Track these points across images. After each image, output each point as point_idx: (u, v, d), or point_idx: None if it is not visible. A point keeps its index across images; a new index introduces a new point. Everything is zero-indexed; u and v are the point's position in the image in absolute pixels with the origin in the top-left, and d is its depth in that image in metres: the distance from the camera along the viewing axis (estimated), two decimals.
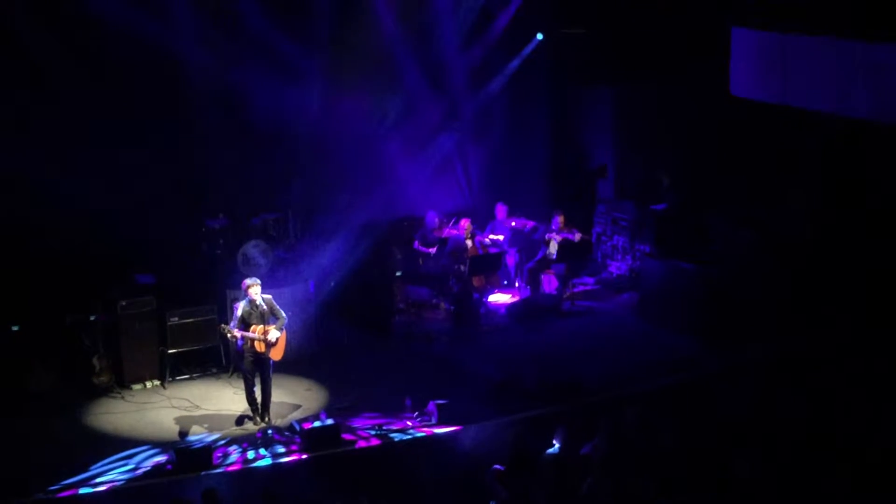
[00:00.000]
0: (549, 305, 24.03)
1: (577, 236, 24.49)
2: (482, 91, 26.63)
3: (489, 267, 24.34)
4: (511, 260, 25.16)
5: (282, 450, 18.08)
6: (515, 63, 26.69)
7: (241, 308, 18.72)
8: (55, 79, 21.25)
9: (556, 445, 16.31)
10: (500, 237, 25.10)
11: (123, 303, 20.37)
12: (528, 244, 25.24)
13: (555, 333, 23.05)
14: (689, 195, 24.91)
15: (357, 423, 18.92)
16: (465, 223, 24.36)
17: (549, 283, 24.60)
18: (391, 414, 19.24)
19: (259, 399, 19.04)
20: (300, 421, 18.71)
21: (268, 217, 23.09)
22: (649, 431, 16.70)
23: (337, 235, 23.00)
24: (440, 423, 18.65)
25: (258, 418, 19.04)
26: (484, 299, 24.20)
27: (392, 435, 18.49)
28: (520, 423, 18.51)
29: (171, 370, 20.78)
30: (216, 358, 21.18)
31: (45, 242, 20.83)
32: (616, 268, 26.21)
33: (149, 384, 20.59)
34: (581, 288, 25.51)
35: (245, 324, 18.64)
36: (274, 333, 18.72)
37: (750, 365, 20.12)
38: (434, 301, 24.31)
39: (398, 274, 24.13)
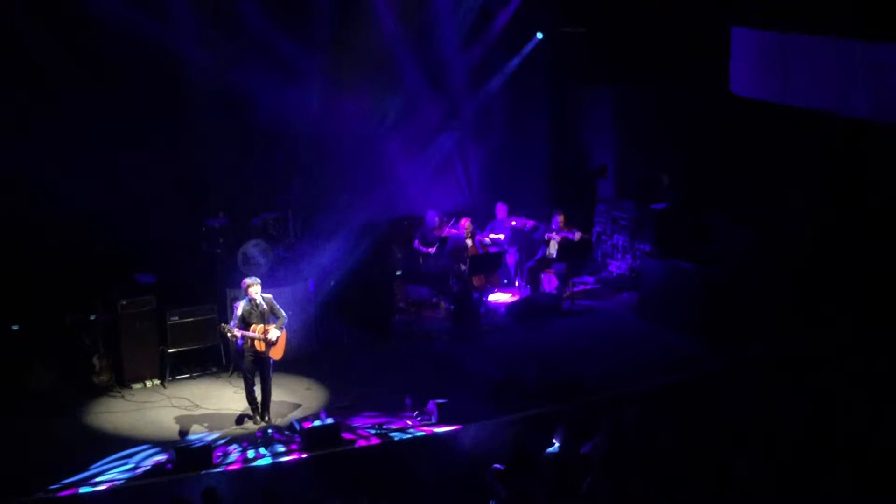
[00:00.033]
0: (549, 305, 24.04)
1: (577, 235, 24.50)
2: (482, 90, 26.64)
3: (489, 266, 24.35)
4: (511, 259, 25.17)
5: (282, 449, 18.07)
6: (515, 62, 26.70)
7: (241, 307, 18.72)
8: (55, 79, 21.26)
9: (556, 444, 16.30)
10: (501, 236, 25.10)
11: (123, 302, 20.39)
12: (528, 243, 25.25)
13: (555, 332, 23.07)
14: (690, 195, 24.89)
15: (357, 423, 18.93)
16: (465, 222, 24.36)
17: (549, 282, 24.61)
18: (391, 413, 19.24)
19: (259, 398, 19.04)
20: (300, 420, 18.71)
21: (268, 216, 23.10)
22: (649, 431, 16.70)
23: (337, 235, 23.01)
24: (440, 423, 18.65)
25: (258, 417, 19.04)
26: (484, 298, 24.20)
27: (392, 434, 18.49)
28: (520, 423, 18.51)
29: (171, 369, 20.80)
30: (216, 357, 21.20)
31: (45, 242, 20.84)
32: (616, 267, 26.23)
33: (149, 383, 20.61)
34: (581, 287, 25.53)
35: (245, 323, 18.64)
36: (274, 332, 18.73)
37: (750, 364, 20.11)
38: (434, 300, 24.32)
39: (398, 273, 24.15)
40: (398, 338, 22.86)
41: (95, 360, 20.18)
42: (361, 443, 18.19)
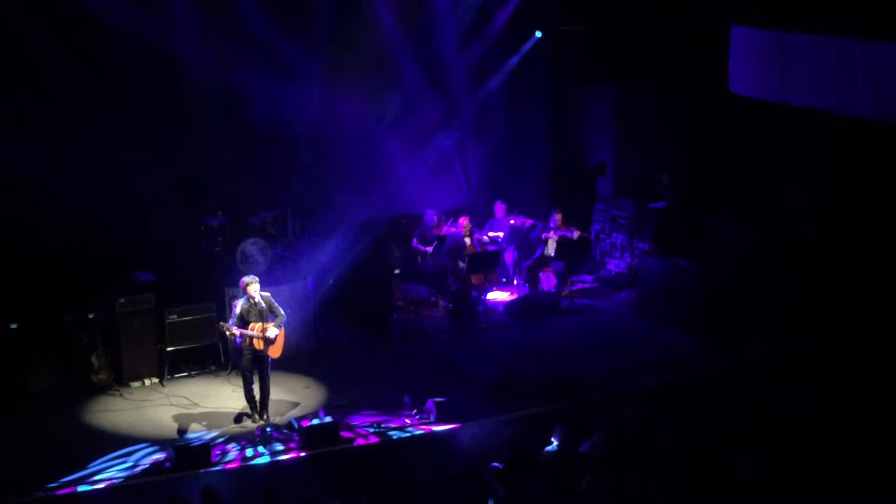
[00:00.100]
0: (548, 303, 24.02)
1: (576, 234, 24.50)
2: (481, 89, 26.63)
3: (488, 265, 24.33)
4: (510, 258, 25.15)
5: (280, 447, 18.04)
6: (514, 61, 26.68)
7: (239, 306, 18.71)
8: (55, 79, 21.27)
9: (555, 443, 16.30)
10: (500, 234, 25.09)
11: (122, 300, 20.36)
12: (527, 242, 25.23)
13: (553, 331, 23.06)
14: (689, 194, 24.91)
15: (356, 421, 18.89)
16: (464, 221, 24.34)
17: (548, 280, 24.60)
18: (390, 412, 19.21)
19: (258, 397, 19.02)
20: (299, 419, 18.66)
21: (266, 215, 23.12)
22: (648, 430, 16.71)
23: (336, 233, 22.96)
24: (439, 421, 18.63)
25: (257, 416, 19.02)
26: (483, 297, 24.18)
27: (391, 433, 18.47)
28: (518, 421, 18.52)
29: (169, 368, 20.76)
30: (215, 356, 21.17)
31: (45, 242, 20.82)
32: (615, 266, 26.23)
33: (147, 382, 20.58)
34: (580, 286, 25.50)
35: (244, 321, 18.63)
36: (273, 331, 18.71)
37: (750, 364, 20.11)
38: (433, 299, 24.33)
39: (397, 272, 24.16)
40: (397, 336, 22.84)
41: (94, 359, 20.16)
42: (360, 441, 18.16)
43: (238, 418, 19.15)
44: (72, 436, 18.62)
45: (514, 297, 24.54)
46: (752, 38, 22.78)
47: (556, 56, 26.80)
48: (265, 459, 17.66)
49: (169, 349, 20.71)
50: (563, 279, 24.51)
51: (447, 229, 24.56)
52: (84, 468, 17.32)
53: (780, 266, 21.78)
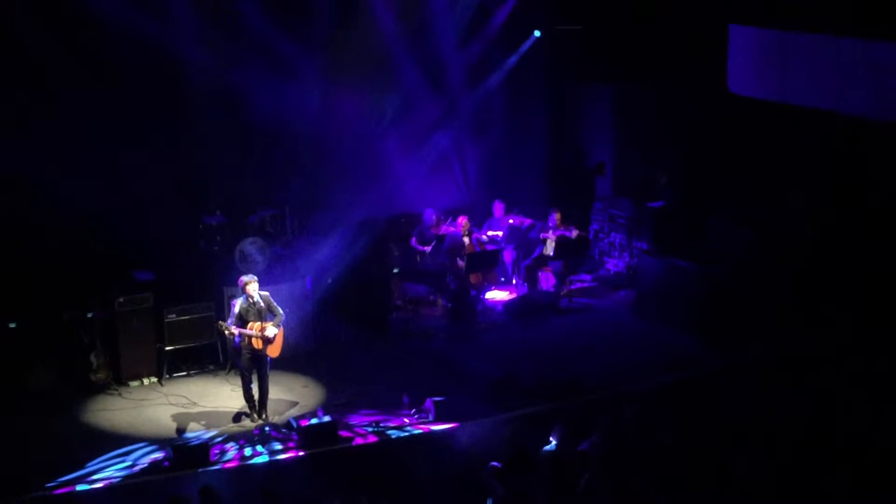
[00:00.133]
0: (547, 302, 24.01)
1: (574, 233, 24.48)
2: (480, 88, 26.62)
3: (486, 264, 24.32)
4: (508, 257, 25.13)
5: (279, 447, 18.04)
6: (513, 60, 26.67)
7: (238, 305, 18.69)
8: (55, 79, 21.27)
9: (554, 442, 16.29)
10: (500, 233, 25.08)
11: (121, 299, 20.34)
12: (526, 241, 25.21)
13: (552, 330, 23.04)
14: (688, 193, 24.89)
15: (354, 420, 18.89)
16: (463, 220, 24.32)
17: (547, 280, 24.59)
18: (388, 411, 19.19)
19: (256, 396, 19.01)
20: (297, 418, 18.65)
21: (265, 214, 23.10)
22: (648, 429, 16.70)
23: (334, 232, 22.95)
24: (437, 420, 18.63)
25: (255, 415, 19.01)
26: (481, 296, 24.16)
27: (389, 432, 18.45)
28: (517, 420, 18.49)
29: (168, 367, 20.74)
30: (213, 355, 21.16)
31: (44, 242, 20.79)
32: (613, 265, 26.23)
33: (146, 381, 20.56)
34: (578, 285, 25.48)
35: (242, 321, 18.61)
36: (271, 330, 18.70)
37: (749, 364, 20.09)
38: (431, 298, 24.32)
39: (396, 271, 24.14)
40: (395, 335, 22.83)
41: (93, 358, 20.15)
42: (359, 441, 18.16)
43: (237, 417, 19.14)
44: (70, 435, 18.61)
45: (513, 296, 24.53)
46: (751, 37, 22.80)
47: (554, 55, 26.80)
48: (264, 459, 17.65)
49: (168, 348, 20.69)
50: (561, 279, 24.50)
51: (446, 228, 24.54)
52: (82, 467, 17.33)
53: (779, 266, 21.77)
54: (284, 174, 23.73)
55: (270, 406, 19.14)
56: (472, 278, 23.92)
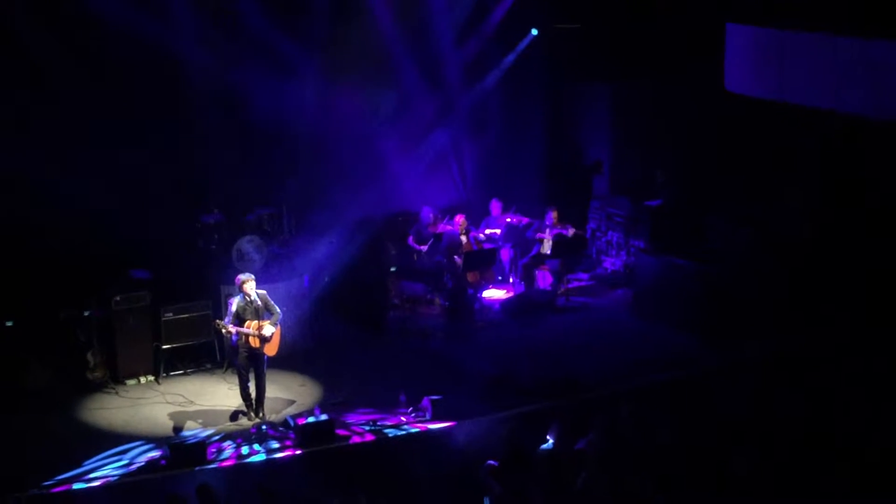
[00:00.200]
0: (544, 301, 24.01)
1: (571, 232, 24.48)
2: (477, 87, 26.61)
3: (483, 262, 24.30)
4: (506, 255, 25.12)
5: (276, 445, 18.03)
6: (511, 58, 26.66)
7: (235, 303, 18.68)
8: (55, 79, 21.25)
9: (551, 441, 16.27)
10: (497, 231, 25.07)
11: (118, 298, 20.34)
12: (523, 240, 25.20)
13: (549, 329, 23.06)
14: (686, 192, 24.88)
15: (351, 419, 18.88)
16: (460, 219, 24.32)
17: (544, 278, 24.58)
18: (385, 409, 19.18)
19: (253, 394, 19.00)
20: (294, 416, 18.65)
21: (262, 212, 23.06)
22: (645, 428, 16.68)
23: (331, 231, 22.96)
24: (435, 419, 18.62)
25: (252, 414, 19.01)
26: (478, 295, 24.16)
27: (386, 430, 18.45)
28: (514, 419, 18.44)
29: (165, 366, 20.75)
30: (210, 353, 21.17)
31: (44, 242, 20.77)
32: (610, 264, 26.24)
33: (143, 379, 20.58)
34: (575, 284, 25.47)
35: (240, 319, 18.60)
36: (268, 329, 18.69)
37: (748, 363, 20.08)
38: (428, 297, 24.30)
39: (393, 269, 24.13)
40: (392, 334, 22.83)
41: (90, 357, 20.14)
42: (356, 439, 18.15)
43: (234, 416, 19.13)
44: (67, 434, 18.61)
45: (510, 295, 24.53)
46: (749, 36, 22.76)
47: (552, 54, 26.77)
48: (261, 457, 17.64)
49: (165, 347, 20.71)
50: (558, 277, 24.49)
51: (443, 227, 24.53)
52: (79, 466, 17.32)
53: (777, 265, 21.74)
54: (283, 173, 23.70)
55: (267, 404, 19.13)
56: (470, 277, 23.90)
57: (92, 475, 17.04)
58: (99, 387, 20.14)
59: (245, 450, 17.90)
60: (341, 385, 20.28)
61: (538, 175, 27.15)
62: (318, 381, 20.50)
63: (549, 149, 27.45)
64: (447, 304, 23.55)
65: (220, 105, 22.70)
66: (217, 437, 18.37)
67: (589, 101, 27.55)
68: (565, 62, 26.71)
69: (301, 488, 16.74)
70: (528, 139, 27.10)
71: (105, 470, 17.24)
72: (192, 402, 19.76)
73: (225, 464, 17.38)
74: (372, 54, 24.42)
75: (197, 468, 17.02)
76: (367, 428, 18.48)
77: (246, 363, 18.84)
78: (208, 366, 21.11)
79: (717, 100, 23.24)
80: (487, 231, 25.04)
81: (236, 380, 19.22)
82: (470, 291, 23.77)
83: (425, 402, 18.83)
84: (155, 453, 17.75)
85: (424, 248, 24.30)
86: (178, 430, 18.68)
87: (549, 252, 24.46)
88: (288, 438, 18.22)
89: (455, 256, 23.90)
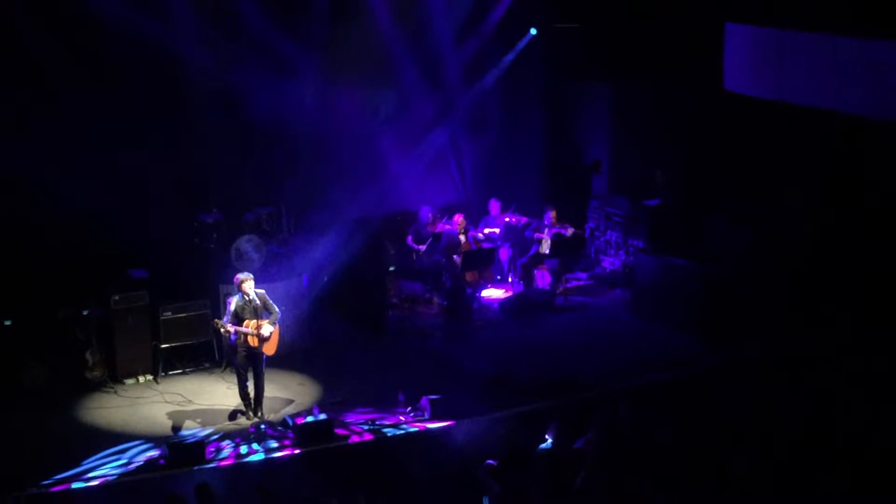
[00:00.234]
0: (543, 300, 24.01)
1: (569, 231, 24.48)
2: (476, 86, 26.60)
3: (482, 262, 24.30)
4: (504, 255, 25.11)
5: (275, 444, 18.02)
6: (510, 58, 26.65)
7: (234, 303, 18.66)
8: (55, 79, 21.25)
9: (550, 440, 16.25)
10: (496, 231, 25.06)
11: (116, 297, 20.32)
12: (522, 239, 25.20)
13: (548, 328, 23.06)
14: (685, 191, 24.89)
15: (350, 418, 18.86)
16: (459, 218, 24.31)
17: (543, 278, 24.57)
18: (384, 409, 19.16)
19: (252, 394, 18.98)
20: (293, 416, 18.63)
21: (261, 212, 23.03)
22: (644, 428, 16.65)
23: (330, 230, 22.94)
24: (433, 418, 18.60)
25: (251, 413, 18.99)
26: (477, 294, 24.15)
27: (385, 430, 18.43)
28: (513, 419, 18.49)
29: (163, 365, 20.72)
30: (209, 353, 21.16)
31: (44, 241, 20.78)
32: (609, 263, 26.23)
33: (141, 379, 20.56)
34: (574, 283, 25.46)
35: (238, 318, 18.59)
36: (267, 328, 18.67)
37: (748, 363, 20.07)
38: (427, 296, 24.29)
39: (391, 269, 24.11)
40: (391, 334, 22.82)
41: (88, 356, 20.12)
42: (355, 439, 18.13)
43: (232, 415, 19.10)
44: (66, 433, 18.57)
45: (509, 294, 24.54)
46: (748, 35, 22.76)
47: (551, 53, 26.78)
48: (259, 457, 17.63)
49: (163, 346, 20.68)
50: (557, 276, 24.48)
51: (442, 226, 24.53)
52: (78, 465, 17.29)
53: (777, 264, 21.74)
54: (283, 173, 23.69)
55: (266, 404, 19.12)
56: (468, 276, 23.91)
57: (90, 474, 17.01)
58: (98, 386, 20.12)
59: (244, 449, 17.88)
60: (340, 384, 20.26)
61: (537, 174, 27.18)
62: (317, 381, 20.48)
63: (548, 148, 27.47)
64: (446, 303, 23.55)
65: (220, 105, 22.70)
66: (216, 437, 18.35)
67: (588, 100, 27.56)
68: (564, 62, 26.70)
69: (300, 488, 16.71)
70: (527, 139, 27.10)
71: (104, 469, 17.21)
72: (190, 401, 19.73)
73: (224, 463, 17.36)
74: (372, 54, 24.43)
75: (196, 467, 17.00)
76: (366, 427, 18.46)
77: (244, 362, 18.83)
78: (207, 365, 21.09)
79: (716, 99, 23.25)
80: (486, 230, 25.04)
81: (235, 379, 19.20)
82: (469, 291, 23.77)
83: (424, 401, 18.81)
84: (154, 453, 17.72)
85: (423, 247, 24.31)
86: (176, 429, 18.66)
87: (547, 251, 24.47)
88: (287, 438, 18.20)
89: (454, 256, 23.91)
